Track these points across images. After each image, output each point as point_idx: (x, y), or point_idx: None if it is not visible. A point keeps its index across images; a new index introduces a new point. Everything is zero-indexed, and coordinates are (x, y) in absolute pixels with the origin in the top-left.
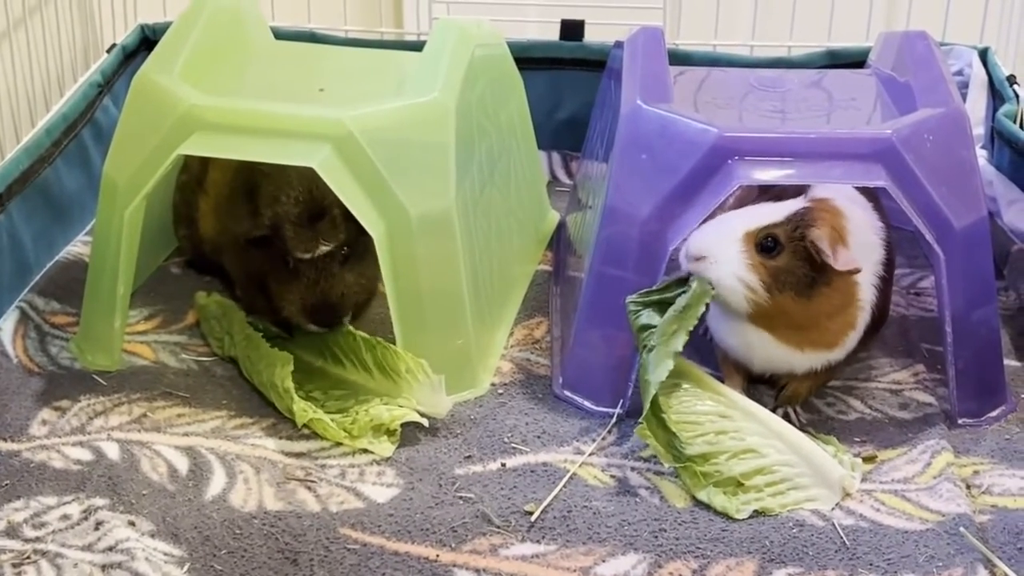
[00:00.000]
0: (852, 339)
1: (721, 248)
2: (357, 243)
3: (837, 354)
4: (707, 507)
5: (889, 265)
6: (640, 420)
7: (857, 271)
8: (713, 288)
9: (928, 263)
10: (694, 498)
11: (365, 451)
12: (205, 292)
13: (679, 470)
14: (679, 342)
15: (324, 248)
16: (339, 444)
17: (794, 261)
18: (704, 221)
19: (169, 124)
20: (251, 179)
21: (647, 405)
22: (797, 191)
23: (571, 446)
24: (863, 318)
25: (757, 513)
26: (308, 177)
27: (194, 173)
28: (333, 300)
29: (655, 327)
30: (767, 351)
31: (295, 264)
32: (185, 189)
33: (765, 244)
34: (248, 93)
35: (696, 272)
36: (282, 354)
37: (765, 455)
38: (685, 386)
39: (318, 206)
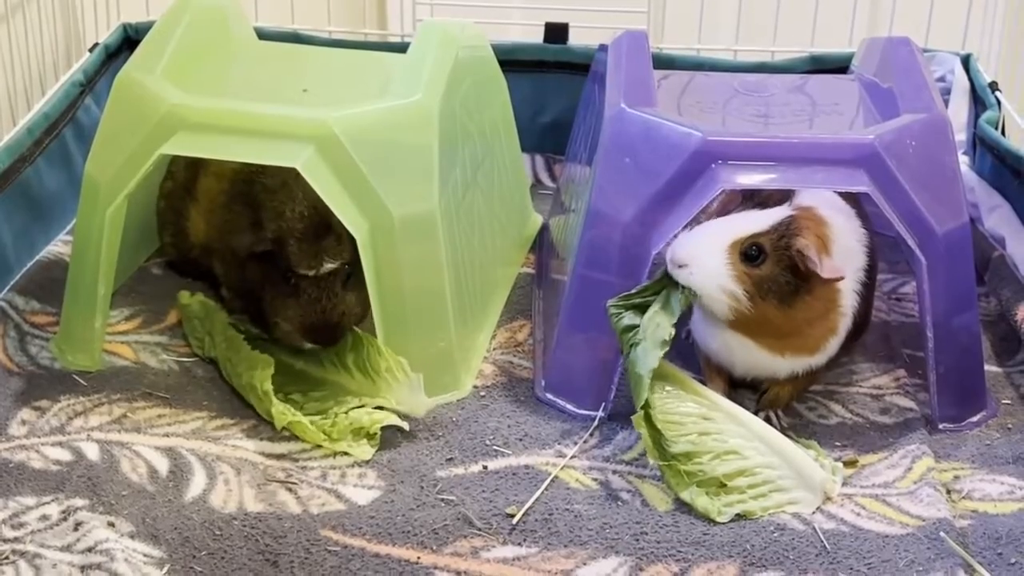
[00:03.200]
0: (833, 345)
1: (706, 258)
2: (359, 263)
3: (818, 359)
4: (688, 510)
5: (871, 271)
6: (639, 408)
7: (841, 279)
8: (695, 296)
9: (910, 268)
10: (676, 501)
11: (346, 453)
12: (188, 292)
13: (662, 468)
14: (664, 332)
15: (329, 266)
16: (320, 446)
17: (778, 270)
18: (687, 225)
19: (151, 123)
20: (251, 192)
21: (642, 397)
22: (781, 198)
23: (553, 449)
24: (845, 324)
25: (738, 516)
26: (313, 193)
27: (180, 180)
28: (334, 320)
29: (639, 326)
30: (749, 356)
31: (296, 281)
32: (171, 196)
33: (749, 253)
34: (231, 93)
35: (680, 280)
36: (262, 357)
37: (747, 457)
38: (667, 388)
39: (323, 223)
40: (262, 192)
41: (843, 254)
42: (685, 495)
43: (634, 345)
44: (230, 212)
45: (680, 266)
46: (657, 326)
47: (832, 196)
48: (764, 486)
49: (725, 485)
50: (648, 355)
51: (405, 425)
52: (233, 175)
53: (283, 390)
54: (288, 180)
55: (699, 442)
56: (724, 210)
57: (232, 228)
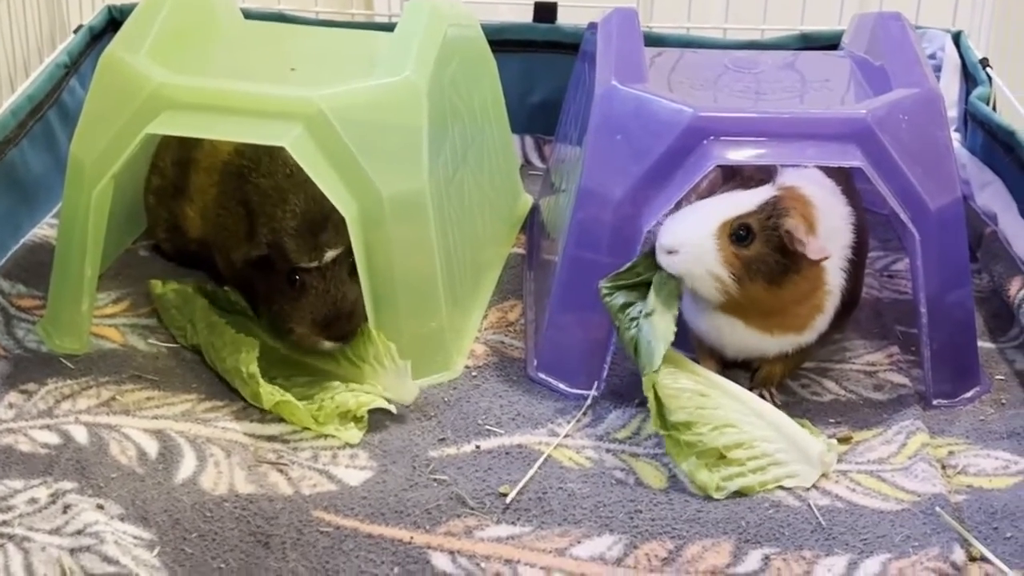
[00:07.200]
0: (821, 322)
1: (695, 242)
2: None
3: (807, 337)
4: (683, 488)
5: (859, 248)
6: (655, 369)
7: (827, 259)
8: (682, 281)
9: (902, 246)
10: (670, 479)
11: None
12: (160, 281)
13: (664, 438)
14: (674, 308)
15: (330, 254)
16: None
17: (766, 250)
18: (678, 203)
19: (137, 103)
20: (243, 193)
21: (656, 363)
22: (763, 178)
23: (546, 428)
24: (832, 301)
25: (734, 493)
26: (303, 189)
27: (170, 178)
28: (346, 309)
29: (634, 303)
30: (737, 336)
31: (301, 278)
32: (161, 193)
33: (738, 234)
34: (217, 72)
35: (667, 266)
36: (247, 339)
37: (745, 430)
38: (662, 369)
39: (319, 217)
40: (254, 194)
41: (828, 233)
42: (685, 466)
43: (647, 315)
44: (223, 209)
45: (669, 252)
46: (668, 294)
47: (815, 174)
48: (763, 459)
49: (724, 456)
50: (663, 325)
51: (392, 407)
52: (223, 167)
53: (267, 375)
54: (279, 180)
55: (696, 414)
56: (709, 191)
57: (227, 236)
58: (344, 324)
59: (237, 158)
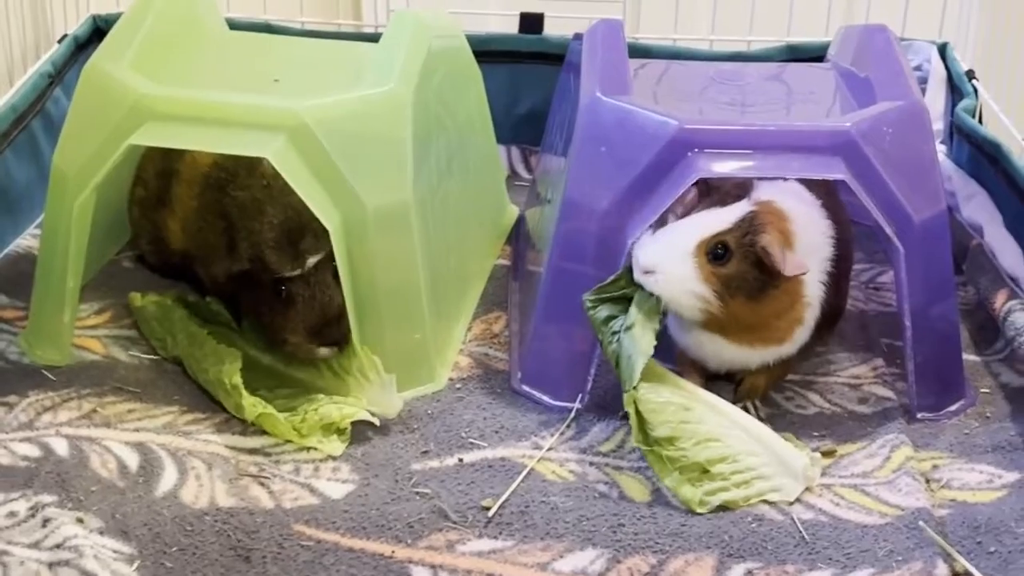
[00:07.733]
0: (801, 334)
1: (674, 262)
2: None
3: (788, 348)
4: (666, 502)
5: (839, 260)
6: (634, 386)
7: (804, 274)
8: (662, 301)
9: (887, 258)
10: (653, 493)
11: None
12: (139, 293)
13: (646, 454)
14: (655, 322)
15: (312, 260)
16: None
17: (744, 266)
18: (663, 215)
19: (119, 114)
20: (222, 206)
21: (635, 378)
22: (739, 194)
23: (529, 441)
24: (811, 313)
25: (717, 507)
26: (280, 199)
27: (152, 189)
28: (335, 312)
29: (617, 317)
30: (719, 350)
31: (287, 287)
32: (144, 205)
33: (716, 252)
34: (201, 83)
35: (646, 285)
36: (230, 351)
37: (729, 444)
38: (644, 382)
39: (298, 226)
40: (233, 207)
41: (806, 247)
42: (668, 481)
43: (627, 329)
44: (204, 222)
45: (646, 272)
46: (648, 310)
47: (793, 187)
48: (747, 473)
49: (708, 471)
50: (643, 339)
51: (376, 420)
52: (204, 179)
53: (250, 386)
54: (255, 192)
55: (680, 429)
56: (689, 210)
57: (209, 249)
58: (336, 328)
59: (216, 171)
